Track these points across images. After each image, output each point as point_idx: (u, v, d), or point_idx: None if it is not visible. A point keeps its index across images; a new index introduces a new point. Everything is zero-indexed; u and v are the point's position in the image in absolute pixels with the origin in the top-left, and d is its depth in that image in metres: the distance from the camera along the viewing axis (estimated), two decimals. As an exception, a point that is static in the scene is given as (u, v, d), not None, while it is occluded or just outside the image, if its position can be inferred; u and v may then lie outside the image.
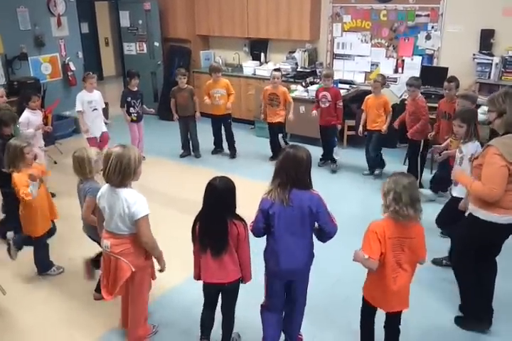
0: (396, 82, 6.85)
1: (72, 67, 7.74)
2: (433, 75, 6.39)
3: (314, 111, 6.02)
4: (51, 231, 3.87)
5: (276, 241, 2.70)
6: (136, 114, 6.31)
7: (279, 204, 2.61)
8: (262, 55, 8.00)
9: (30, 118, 4.99)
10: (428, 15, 6.39)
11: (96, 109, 5.89)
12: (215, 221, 2.68)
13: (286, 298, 2.90)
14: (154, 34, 8.28)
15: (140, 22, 8.31)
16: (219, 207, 2.68)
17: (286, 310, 2.95)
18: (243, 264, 2.81)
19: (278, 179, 2.64)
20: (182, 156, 6.66)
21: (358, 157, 6.23)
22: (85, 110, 5.79)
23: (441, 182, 4.99)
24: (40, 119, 5.27)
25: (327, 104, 5.88)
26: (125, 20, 8.48)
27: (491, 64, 5.91)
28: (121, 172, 2.68)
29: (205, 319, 2.99)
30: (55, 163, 6.17)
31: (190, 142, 6.68)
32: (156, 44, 8.34)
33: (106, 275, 2.91)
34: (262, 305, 2.96)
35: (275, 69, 6.26)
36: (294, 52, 7.56)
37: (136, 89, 6.29)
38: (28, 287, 3.77)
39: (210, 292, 2.91)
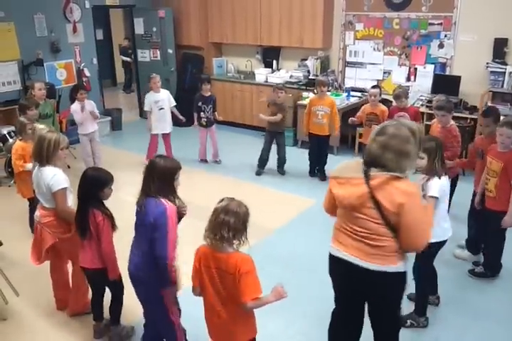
0: (408, 90, 6.83)
1: (87, 73, 7.85)
2: (446, 84, 6.39)
3: None
4: None
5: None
6: (205, 119, 6.33)
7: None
8: (274, 62, 8.04)
9: (75, 108, 5.83)
10: (441, 24, 6.40)
11: (162, 108, 6.24)
12: (80, 206, 2.91)
13: None
14: (168, 41, 8.37)
15: (154, 29, 8.41)
16: (84, 194, 2.88)
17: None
18: (104, 256, 2.92)
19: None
20: (258, 174, 6.16)
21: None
22: (153, 109, 6.21)
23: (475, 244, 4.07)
24: (88, 109, 5.84)
25: None
26: (139, 28, 8.58)
27: (505, 73, 5.90)
28: (41, 154, 3.16)
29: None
30: (69, 167, 6.23)
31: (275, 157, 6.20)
32: (170, 51, 8.43)
33: (35, 244, 3.30)
34: None
35: (373, 87, 5.60)
36: (306, 59, 7.60)
37: (208, 94, 6.31)
38: (41, 288, 3.79)
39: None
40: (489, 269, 3.86)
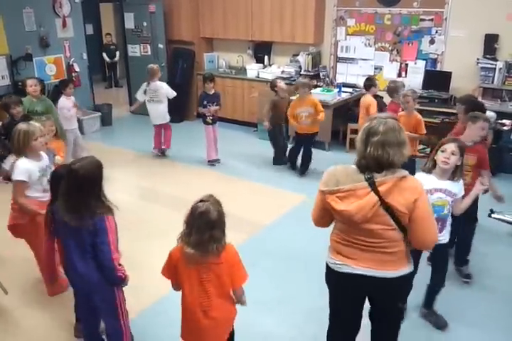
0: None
1: (77, 68, 7.78)
2: (436, 80, 6.41)
3: None
4: None
5: None
6: (211, 117, 6.28)
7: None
8: (266, 57, 8.01)
9: (62, 103, 5.73)
10: (432, 20, 6.41)
11: (152, 101, 6.46)
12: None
13: None
14: (158, 36, 8.31)
15: (144, 24, 8.34)
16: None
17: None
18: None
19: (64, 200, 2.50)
20: (279, 164, 6.32)
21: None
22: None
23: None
24: (71, 105, 5.78)
25: None
26: (130, 22, 8.50)
27: (495, 69, 5.94)
28: (13, 145, 3.31)
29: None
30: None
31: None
32: (160, 46, 8.37)
33: None
34: None
35: (367, 79, 5.87)
36: (297, 55, 7.57)
37: (212, 92, 6.25)
38: (30, 286, 3.77)
39: None
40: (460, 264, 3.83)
